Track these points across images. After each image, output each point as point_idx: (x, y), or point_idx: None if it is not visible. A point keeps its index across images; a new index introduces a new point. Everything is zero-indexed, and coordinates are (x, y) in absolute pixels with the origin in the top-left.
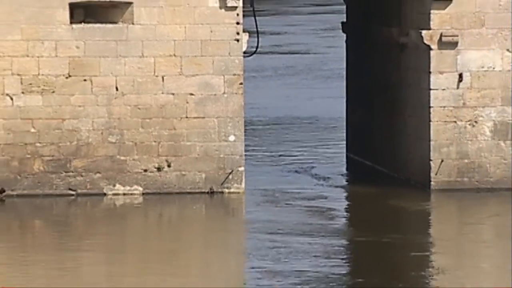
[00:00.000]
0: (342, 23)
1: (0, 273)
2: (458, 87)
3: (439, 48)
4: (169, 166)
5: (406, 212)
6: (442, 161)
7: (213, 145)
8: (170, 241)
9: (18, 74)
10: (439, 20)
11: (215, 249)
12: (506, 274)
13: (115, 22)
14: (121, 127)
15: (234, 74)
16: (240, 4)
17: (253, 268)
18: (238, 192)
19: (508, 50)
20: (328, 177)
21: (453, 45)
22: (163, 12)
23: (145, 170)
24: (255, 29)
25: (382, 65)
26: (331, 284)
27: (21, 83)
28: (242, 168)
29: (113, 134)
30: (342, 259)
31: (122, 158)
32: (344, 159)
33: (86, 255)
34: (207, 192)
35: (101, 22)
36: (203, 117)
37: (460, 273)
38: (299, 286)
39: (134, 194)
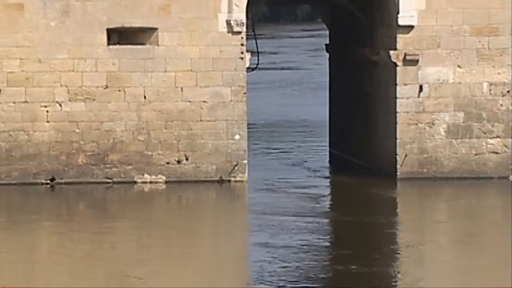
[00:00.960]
0: (326, 44)
1: (52, 240)
2: (419, 96)
3: (404, 65)
4: (186, 159)
5: (378, 197)
6: (406, 155)
7: (222, 143)
8: (187, 219)
9: (66, 86)
10: (404, 42)
11: (223, 226)
12: (459, 248)
13: (144, 44)
14: (148, 128)
15: (239, 86)
16: (244, 29)
17: (253, 241)
18: (242, 181)
19: (458, 66)
20: (318, 170)
21: (415, 62)
22: (182, 36)
23: (168, 163)
24: (256, 50)
25: (358, 79)
26: (317, 253)
27: (68, 92)
28: (245, 161)
29: (141, 133)
30: (327, 234)
31: (149, 153)
32: (327, 154)
33: (120, 227)
34: (217, 181)
35: (132, 44)
36: (214, 120)
37: (423, 247)
38: (291, 255)
39: (159, 182)
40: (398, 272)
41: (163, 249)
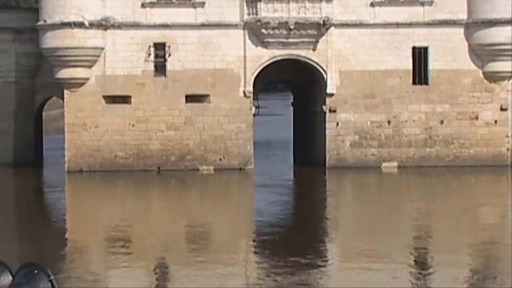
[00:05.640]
0: (292, 102)
1: (157, 198)
2: (336, 128)
3: (329, 113)
4: (224, 158)
5: (316, 177)
6: (330, 156)
7: (241, 150)
8: (223, 187)
9: (165, 123)
10: (329, 101)
11: (242, 190)
12: (358, 204)
13: (203, 102)
14: (205, 143)
15: (249, 122)
16: (252, 95)
17: (256, 198)
18: (251, 169)
19: (356, 113)
20: (288, 165)
21: (335, 111)
22: (221, 98)
23: (215, 160)
24: (257, 105)
25: (307, 120)
26: (285, 205)
27: (166, 126)
28: (252, 159)
29: (202, 145)
30: (290, 195)
31: (206, 155)
32: (292, 157)
33: (192, 192)
34: (239, 169)
35: (197, 102)
36: (237, 139)
37: (338, 203)
38: (274, 206)
39: (210, 170)
40: (326, 217)
41: (211, 199)
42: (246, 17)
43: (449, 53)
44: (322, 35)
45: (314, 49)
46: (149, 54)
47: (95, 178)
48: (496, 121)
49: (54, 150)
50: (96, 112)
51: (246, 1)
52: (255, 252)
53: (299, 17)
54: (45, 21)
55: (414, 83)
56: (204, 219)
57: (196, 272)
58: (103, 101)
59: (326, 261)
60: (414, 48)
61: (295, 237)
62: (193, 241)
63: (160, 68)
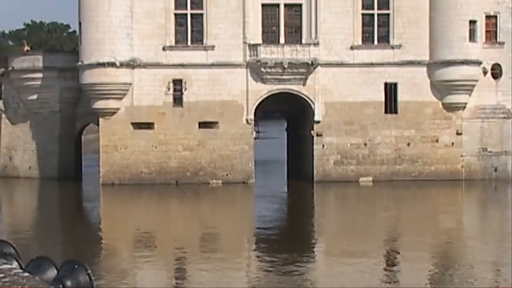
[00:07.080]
0: (286, 128)
1: (173, 206)
2: (323, 148)
3: (317, 136)
4: (230, 174)
5: (306, 190)
6: (317, 172)
7: (244, 167)
8: (228, 197)
9: (181, 144)
10: (316, 127)
11: (245, 200)
12: (339, 210)
13: (213, 128)
14: (214, 161)
15: (251, 144)
16: (253, 122)
17: (256, 206)
18: (252, 182)
19: (338, 136)
20: (282, 179)
21: (321, 135)
22: (228, 125)
23: (222, 175)
24: (257, 130)
25: (298, 142)
26: (280, 213)
27: (182, 146)
28: (253, 175)
29: (212, 163)
30: (285, 204)
31: (215, 171)
32: (286, 173)
33: (203, 201)
34: (242, 183)
35: (208, 128)
36: (241, 158)
37: (323, 209)
38: (270, 212)
39: (219, 183)
40: (314, 222)
41: (219, 207)
42: (248, 58)
43: (415, 88)
44: (311, 73)
45: (304, 84)
46: (169, 89)
47: (125, 190)
48: (453, 143)
49: (91, 167)
50: (125, 136)
51: (248, 45)
52: (256, 245)
53: (292, 58)
54: (82, 61)
55: (386, 112)
56: (214, 223)
57: (207, 265)
58: (131, 127)
59: (314, 255)
60: (386, 84)
61: (288, 238)
62: (205, 240)
63: (178, 100)
